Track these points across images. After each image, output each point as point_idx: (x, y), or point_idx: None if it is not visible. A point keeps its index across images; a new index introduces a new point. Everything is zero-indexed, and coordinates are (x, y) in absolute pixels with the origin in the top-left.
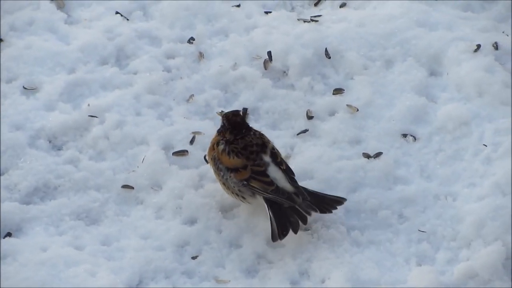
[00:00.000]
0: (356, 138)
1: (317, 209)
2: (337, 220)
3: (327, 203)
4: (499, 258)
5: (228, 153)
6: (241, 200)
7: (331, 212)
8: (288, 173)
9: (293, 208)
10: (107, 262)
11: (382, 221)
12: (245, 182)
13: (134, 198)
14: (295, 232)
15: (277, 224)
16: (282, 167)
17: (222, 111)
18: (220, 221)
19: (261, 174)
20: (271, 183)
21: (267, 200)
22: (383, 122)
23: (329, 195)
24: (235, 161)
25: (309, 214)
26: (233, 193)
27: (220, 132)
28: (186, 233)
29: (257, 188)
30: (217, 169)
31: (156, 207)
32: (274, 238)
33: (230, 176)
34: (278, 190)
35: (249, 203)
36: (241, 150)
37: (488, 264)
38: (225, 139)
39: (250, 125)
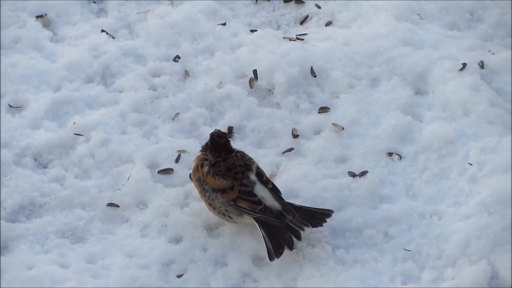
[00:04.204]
0: (341, 157)
1: (309, 224)
2: (322, 239)
3: (316, 217)
4: (484, 277)
5: (213, 175)
6: (227, 220)
7: (322, 225)
8: (275, 191)
9: (286, 225)
10: (93, 280)
11: (367, 240)
12: (232, 202)
13: (120, 216)
14: (291, 248)
15: (272, 242)
16: (268, 186)
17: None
18: (206, 239)
19: (249, 194)
20: (259, 202)
21: (257, 220)
22: (369, 140)
23: (316, 208)
24: (220, 182)
25: (302, 229)
26: (219, 213)
27: (204, 148)
28: (171, 252)
29: (245, 208)
30: (203, 190)
31: (142, 226)
32: (271, 257)
33: (216, 197)
34: (266, 209)
35: (235, 222)
36: (226, 172)
37: (473, 283)
38: (207, 159)
39: (234, 145)
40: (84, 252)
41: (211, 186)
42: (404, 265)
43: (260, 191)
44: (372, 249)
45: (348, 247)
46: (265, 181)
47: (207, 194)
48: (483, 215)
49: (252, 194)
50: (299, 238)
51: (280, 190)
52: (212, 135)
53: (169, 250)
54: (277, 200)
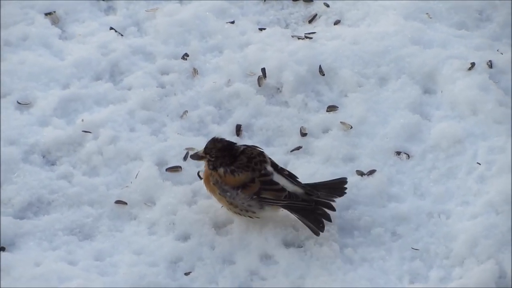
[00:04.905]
0: (349, 156)
1: (336, 195)
2: (330, 237)
3: (336, 187)
4: (492, 276)
5: (232, 172)
6: (249, 216)
7: (345, 193)
8: (292, 177)
9: (315, 202)
10: (100, 277)
11: (375, 238)
12: (254, 196)
13: (128, 213)
14: (330, 220)
15: (310, 221)
16: (285, 173)
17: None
18: (213, 237)
19: (270, 183)
20: (283, 189)
21: (285, 207)
22: (377, 139)
23: (330, 180)
24: (240, 177)
25: (333, 200)
26: (241, 210)
27: (215, 167)
28: (179, 249)
29: (270, 199)
30: (223, 191)
31: (150, 223)
32: (316, 233)
33: (237, 194)
34: (291, 195)
35: (257, 217)
36: (247, 163)
37: (481, 282)
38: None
39: (243, 143)
40: (92, 249)
41: (231, 185)
42: (412, 264)
43: (279, 179)
44: (380, 248)
45: (356, 246)
46: (281, 170)
47: (228, 194)
48: (491, 215)
49: (274, 182)
50: (333, 209)
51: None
52: (216, 149)
53: (177, 248)
54: (296, 185)
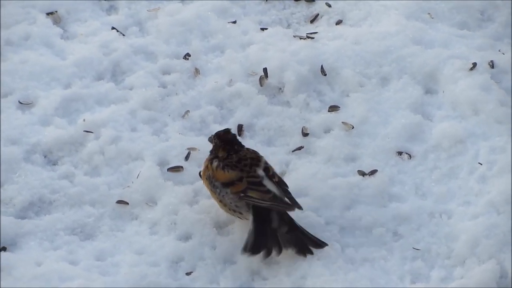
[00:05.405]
0: (351, 156)
1: (295, 248)
2: (331, 237)
3: (308, 241)
4: (493, 276)
5: (223, 168)
6: (238, 217)
7: (305, 256)
8: (281, 185)
9: (274, 235)
10: (102, 277)
11: (377, 238)
12: (242, 194)
13: (129, 213)
14: (265, 257)
15: (254, 238)
16: (274, 180)
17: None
18: (215, 237)
19: (258, 184)
20: (268, 191)
21: (254, 214)
22: (379, 139)
23: (315, 237)
24: (229, 174)
25: (286, 248)
26: (230, 209)
27: (212, 151)
28: (180, 249)
29: (255, 198)
30: (213, 187)
31: (151, 223)
32: (244, 249)
33: (226, 192)
34: (276, 197)
35: (246, 218)
36: (236, 163)
37: (482, 282)
38: (218, 157)
39: (244, 143)
40: (93, 249)
41: (220, 181)
42: (413, 264)
43: (268, 185)
44: (381, 248)
45: (357, 245)
46: (271, 176)
47: (218, 190)
48: (492, 215)
49: (261, 184)
50: (278, 253)
51: (289, 187)
52: (218, 134)
53: (178, 248)
54: (283, 194)
